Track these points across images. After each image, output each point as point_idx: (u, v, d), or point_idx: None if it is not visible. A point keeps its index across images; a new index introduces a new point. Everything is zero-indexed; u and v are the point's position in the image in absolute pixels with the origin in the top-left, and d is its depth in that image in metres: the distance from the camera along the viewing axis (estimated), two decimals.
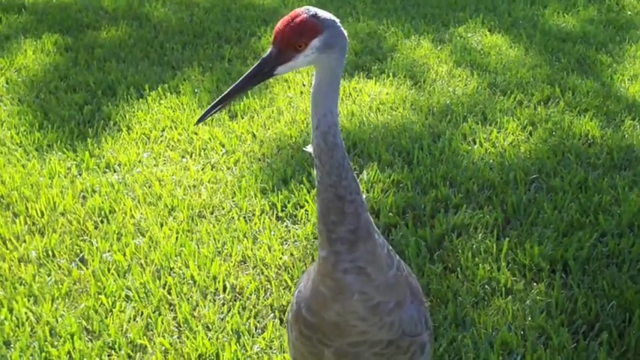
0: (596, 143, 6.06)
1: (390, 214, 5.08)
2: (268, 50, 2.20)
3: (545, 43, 8.41)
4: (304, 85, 7.27)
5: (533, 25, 9.09)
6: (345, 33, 2.23)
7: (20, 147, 6.14)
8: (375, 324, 2.37)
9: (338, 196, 2.25)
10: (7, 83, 7.46)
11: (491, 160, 5.78)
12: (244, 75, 2.24)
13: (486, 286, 4.36)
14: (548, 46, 8.33)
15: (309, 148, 2.29)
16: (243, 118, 6.62)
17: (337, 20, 2.21)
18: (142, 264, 4.69)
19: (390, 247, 2.44)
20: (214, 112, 2.28)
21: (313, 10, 2.16)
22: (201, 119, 2.30)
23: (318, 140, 2.23)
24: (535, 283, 4.40)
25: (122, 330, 4.13)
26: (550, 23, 9.20)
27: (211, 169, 5.79)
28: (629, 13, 9.65)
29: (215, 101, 2.26)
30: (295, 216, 5.14)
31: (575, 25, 9.14)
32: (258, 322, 4.19)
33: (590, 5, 9.98)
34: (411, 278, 2.58)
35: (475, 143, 6.08)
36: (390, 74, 7.50)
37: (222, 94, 2.27)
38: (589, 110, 6.61)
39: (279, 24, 2.17)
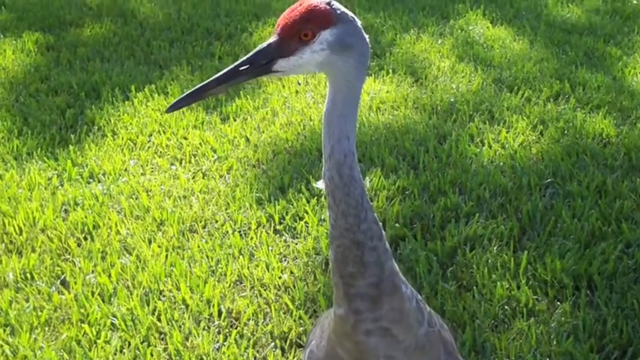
0: (611, 143, 5.69)
1: (397, 224, 4.70)
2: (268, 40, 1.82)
3: (551, 35, 8.03)
4: (299, 84, 6.88)
5: (536, 17, 8.70)
6: (367, 38, 1.83)
7: None
8: None
9: (356, 243, 1.86)
10: None
11: (501, 163, 5.40)
12: (234, 64, 1.82)
13: (506, 307, 3.99)
14: (553, 39, 7.94)
15: (321, 184, 1.90)
16: (235, 120, 6.22)
17: (358, 20, 1.82)
18: (128, 286, 4.30)
19: (420, 297, 2.05)
20: (188, 104, 1.88)
21: None
22: (172, 108, 1.89)
23: (331, 173, 1.84)
24: (559, 302, 4.03)
25: None
26: (554, 14, 8.81)
27: (203, 178, 5.39)
28: (635, 2, 9.26)
29: (191, 90, 1.86)
30: (294, 229, 4.76)
31: (581, 15, 8.76)
32: (258, 352, 3.80)
33: None
34: (444, 332, 2.18)
35: (484, 145, 5.70)
36: (390, 70, 7.10)
37: (200, 84, 1.85)
38: (602, 107, 6.23)
39: (286, 10, 1.79)
